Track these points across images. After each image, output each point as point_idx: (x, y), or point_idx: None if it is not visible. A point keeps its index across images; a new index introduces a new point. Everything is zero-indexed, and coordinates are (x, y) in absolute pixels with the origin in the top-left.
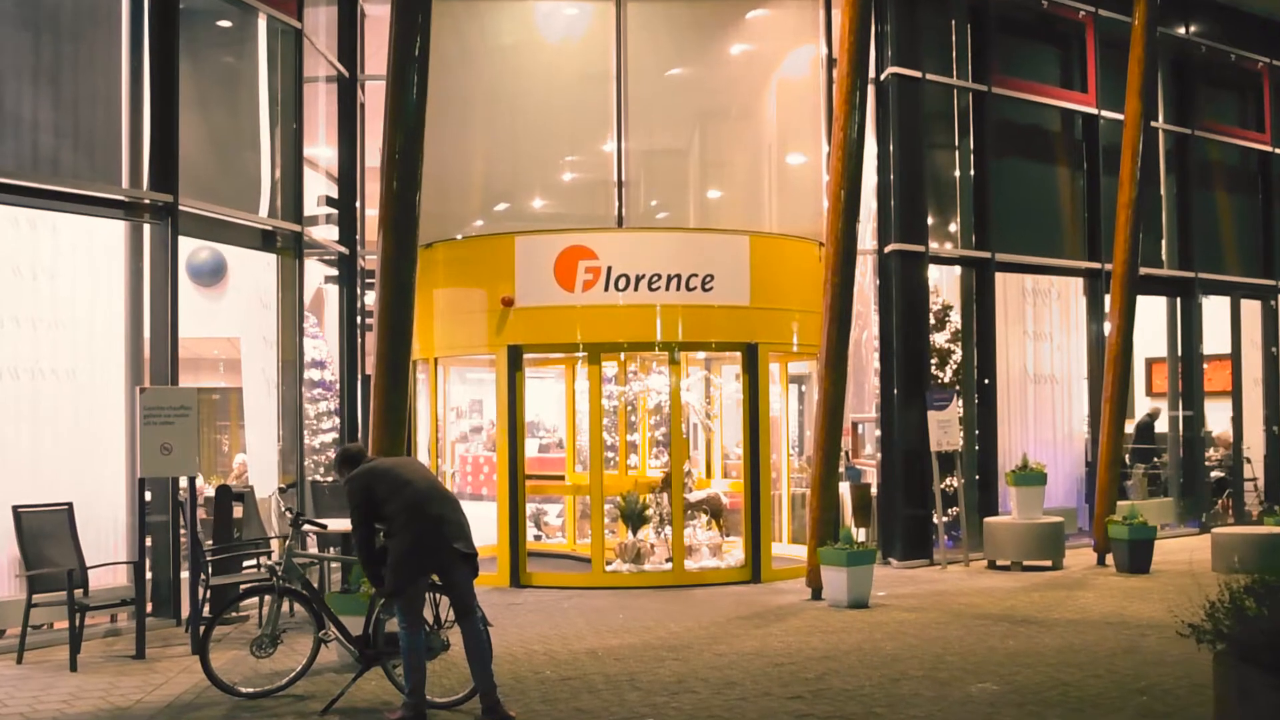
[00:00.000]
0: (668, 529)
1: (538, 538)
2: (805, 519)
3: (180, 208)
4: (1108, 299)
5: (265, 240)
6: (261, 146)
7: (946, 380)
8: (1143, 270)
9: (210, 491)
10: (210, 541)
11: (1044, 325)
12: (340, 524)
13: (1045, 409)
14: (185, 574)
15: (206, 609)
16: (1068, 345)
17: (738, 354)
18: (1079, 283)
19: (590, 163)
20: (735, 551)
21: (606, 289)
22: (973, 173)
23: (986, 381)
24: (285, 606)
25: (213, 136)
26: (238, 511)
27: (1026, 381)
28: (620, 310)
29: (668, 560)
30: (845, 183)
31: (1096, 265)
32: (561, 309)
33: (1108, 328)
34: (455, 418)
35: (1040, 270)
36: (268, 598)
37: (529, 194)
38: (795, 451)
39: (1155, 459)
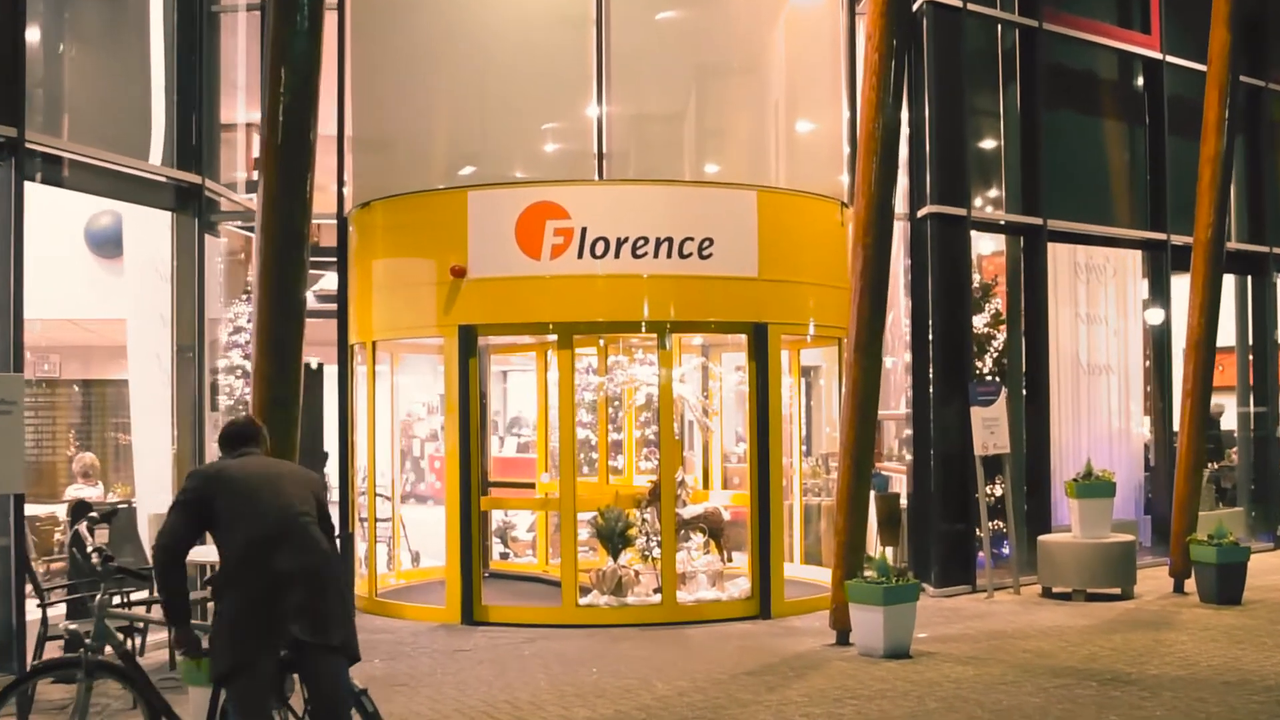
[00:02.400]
0: (656, 551)
1: (505, 556)
2: (821, 533)
3: (27, 144)
4: (1177, 277)
5: (158, 194)
6: (152, 80)
7: (985, 371)
8: None
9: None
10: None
11: (1098, 307)
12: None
13: (1099, 405)
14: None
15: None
16: (1124, 330)
17: (742, 337)
18: (1135, 258)
19: (566, 115)
20: (739, 580)
21: (580, 255)
22: (1020, 123)
23: (1037, 372)
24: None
25: (85, 64)
26: (103, 536)
27: (1079, 372)
28: (598, 282)
29: (656, 591)
30: (880, 116)
31: (1160, 236)
32: (525, 281)
33: (1168, 310)
34: (426, 413)
35: (1098, 241)
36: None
37: (492, 151)
38: (804, 450)
39: (1215, 463)
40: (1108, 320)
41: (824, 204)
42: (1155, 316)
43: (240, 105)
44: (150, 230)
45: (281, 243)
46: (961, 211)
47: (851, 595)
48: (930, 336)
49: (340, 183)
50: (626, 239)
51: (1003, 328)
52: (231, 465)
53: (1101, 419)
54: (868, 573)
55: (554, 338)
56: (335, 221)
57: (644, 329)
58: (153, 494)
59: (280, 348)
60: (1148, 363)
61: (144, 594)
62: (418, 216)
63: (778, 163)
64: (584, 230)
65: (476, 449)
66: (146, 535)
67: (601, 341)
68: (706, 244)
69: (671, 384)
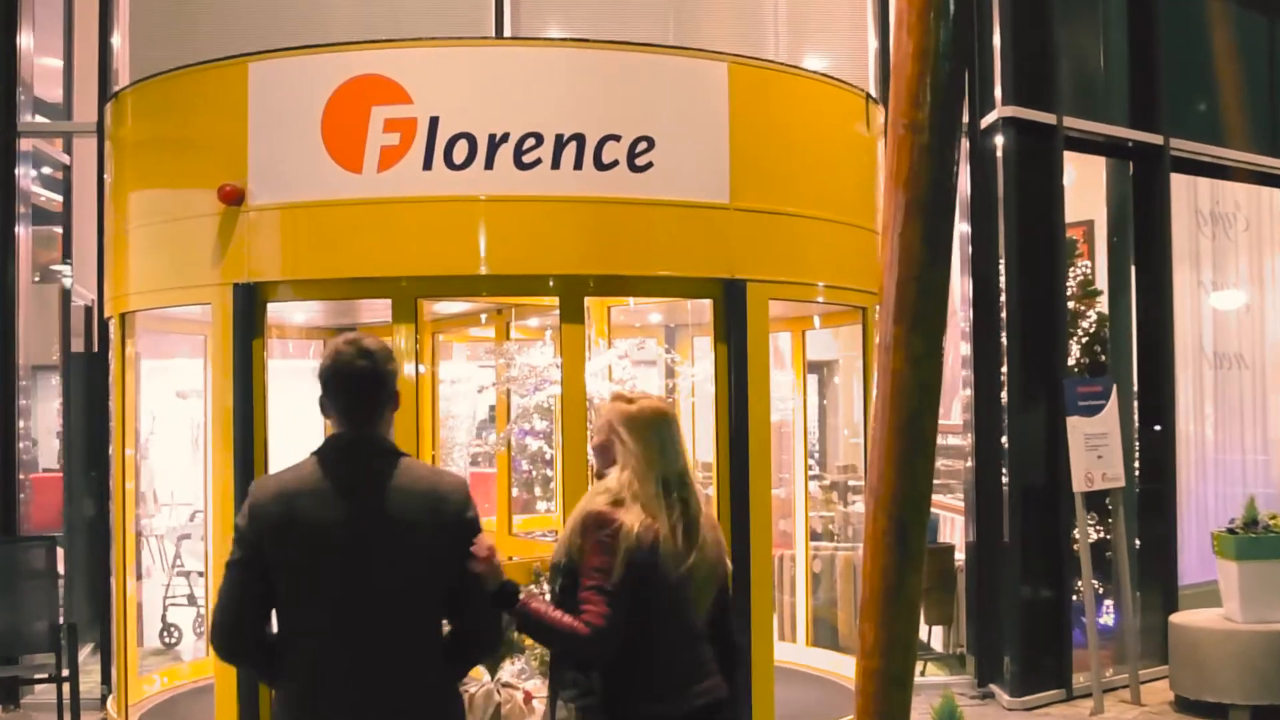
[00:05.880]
0: None
1: None
2: (839, 596)
3: None
4: None
5: None
6: None
7: (1074, 362)
8: None
9: None
10: None
11: (1227, 273)
12: None
13: (1232, 410)
14: None
15: None
16: (1260, 306)
17: (705, 303)
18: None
19: None
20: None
21: (429, 165)
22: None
23: (1156, 366)
24: None
25: None
26: None
27: (1202, 365)
28: (456, 209)
29: None
30: None
31: None
32: (339, 208)
33: None
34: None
35: (1237, 175)
36: None
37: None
38: (811, 472)
39: None
40: (1239, 291)
41: (841, 94)
42: None
43: None
44: None
45: None
46: (1050, 118)
47: None
48: (1002, 311)
49: (102, 70)
50: (505, 137)
51: (1096, 302)
52: (279, 486)
53: (1233, 429)
54: None
55: (389, 302)
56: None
57: (550, 285)
58: None
59: None
60: None
61: None
62: (181, 109)
63: (771, 24)
64: (433, 123)
65: (260, 474)
66: None
67: (484, 318)
68: (641, 147)
69: (580, 376)
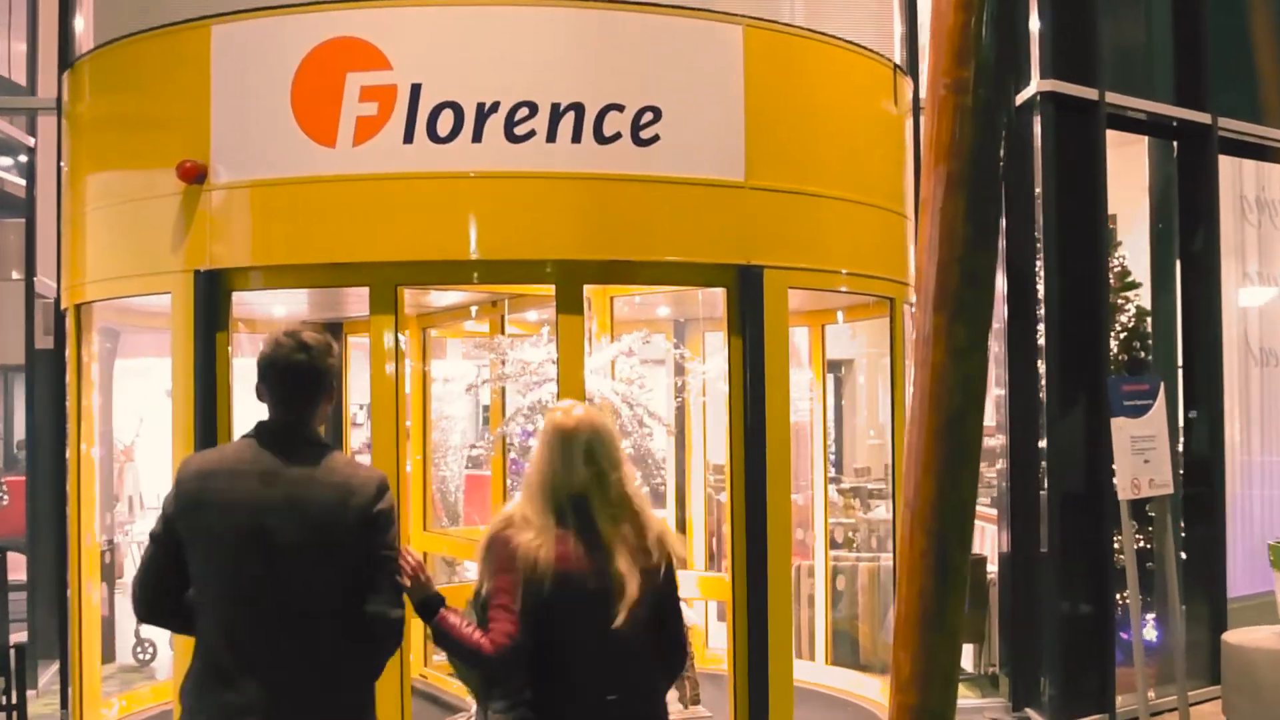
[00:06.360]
0: None
1: None
2: (860, 612)
3: None
4: None
5: None
6: None
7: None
8: None
9: None
10: None
11: (1274, 264)
12: None
13: (1278, 409)
14: None
15: None
16: None
17: (718, 292)
18: None
19: None
20: None
21: (409, 138)
22: None
23: (1204, 362)
24: None
25: None
26: None
27: (1248, 360)
28: (441, 187)
29: None
30: None
31: None
32: (310, 186)
33: None
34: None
35: None
36: None
37: None
38: (830, 475)
39: None
40: None
41: (868, 63)
42: None
43: None
44: None
45: None
46: (1091, 93)
47: None
48: (1039, 301)
49: (63, 43)
50: (495, 106)
51: (1135, 294)
52: (200, 459)
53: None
54: None
55: (367, 289)
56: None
57: (547, 272)
58: None
59: None
60: None
61: None
62: (137, 79)
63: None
64: (415, 91)
65: None
66: None
67: (474, 310)
68: (647, 118)
69: (578, 373)
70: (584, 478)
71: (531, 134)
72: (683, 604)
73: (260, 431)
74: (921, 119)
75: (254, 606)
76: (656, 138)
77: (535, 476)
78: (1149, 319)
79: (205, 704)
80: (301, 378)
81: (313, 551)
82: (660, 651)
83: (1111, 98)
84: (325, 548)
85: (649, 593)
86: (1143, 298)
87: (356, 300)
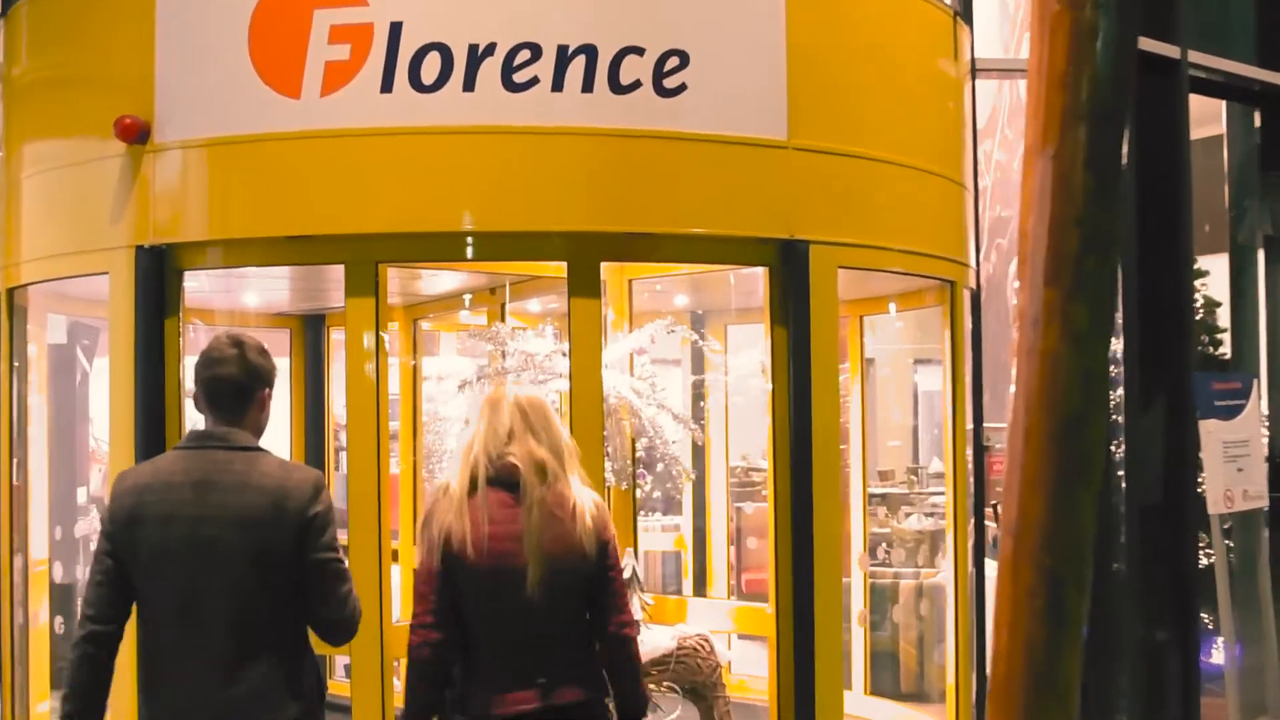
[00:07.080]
0: None
1: None
2: (903, 636)
3: None
4: None
5: None
6: None
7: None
8: None
9: None
10: None
11: None
12: None
13: None
14: None
15: None
16: None
17: (757, 271)
18: None
19: None
20: None
21: (388, 86)
22: None
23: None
24: None
25: None
26: None
27: None
28: (426, 145)
29: None
30: None
31: None
32: (270, 144)
33: None
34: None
35: None
36: None
37: None
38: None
39: None
40: None
41: (926, 8)
42: None
43: None
44: None
45: None
46: (1173, 50)
47: None
48: (1116, 291)
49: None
50: (491, 49)
51: (1202, 284)
52: (134, 474)
53: None
54: None
55: (342, 265)
56: None
57: (553, 246)
58: None
59: None
60: None
61: None
62: (75, 23)
63: None
64: (395, 30)
65: None
66: None
67: (468, 299)
68: (672, 64)
69: (595, 365)
70: (504, 444)
71: (534, 81)
72: (642, 596)
73: (192, 440)
74: (1027, 40)
75: (195, 616)
76: (683, 87)
77: (462, 442)
78: (1217, 310)
79: (154, 711)
80: (234, 386)
81: (251, 558)
82: (597, 635)
83: (1193, 57)
84: (264, 553)
85: (568, 568)
86: (1209, 287)
87: (341, 288)
